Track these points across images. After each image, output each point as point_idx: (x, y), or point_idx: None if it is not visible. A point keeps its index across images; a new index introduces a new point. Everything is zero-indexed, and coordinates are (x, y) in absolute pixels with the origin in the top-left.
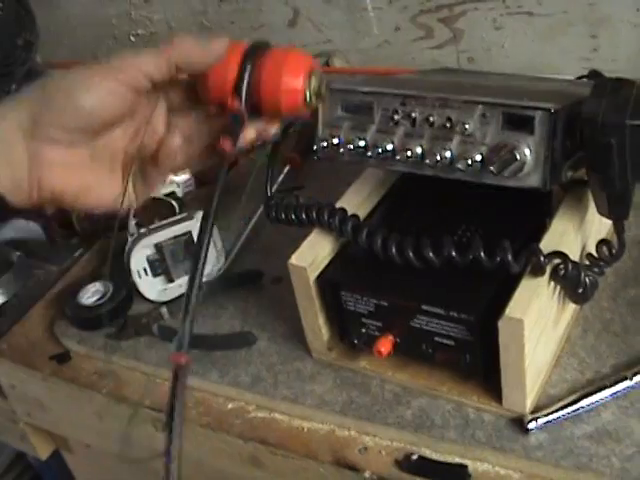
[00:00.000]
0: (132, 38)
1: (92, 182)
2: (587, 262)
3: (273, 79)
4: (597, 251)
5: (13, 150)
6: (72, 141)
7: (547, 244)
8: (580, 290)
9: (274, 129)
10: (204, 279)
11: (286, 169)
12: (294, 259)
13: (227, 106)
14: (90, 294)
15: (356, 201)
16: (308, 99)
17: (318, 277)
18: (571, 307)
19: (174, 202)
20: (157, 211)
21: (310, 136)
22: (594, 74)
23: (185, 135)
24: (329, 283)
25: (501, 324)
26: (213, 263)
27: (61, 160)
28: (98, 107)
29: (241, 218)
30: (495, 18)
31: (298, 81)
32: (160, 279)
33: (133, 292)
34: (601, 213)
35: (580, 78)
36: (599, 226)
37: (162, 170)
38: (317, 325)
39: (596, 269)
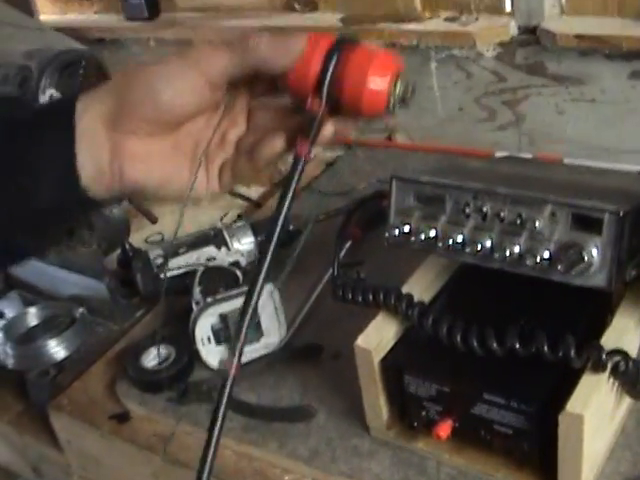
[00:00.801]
0: None
1: (173, 173)
2: None
3: (358, 76)
4: None
5: (96, 140)
6: (152, 132)
7: (608, 340)
8: (638, 386)
9: (354, 128)
10: (265, 351)
11: (348, 244)
12: (360, 341)
13: (306, 106)
14: (152, 357)
15: (421, 285)
16: (392, 103)
17: (382, 360)
18: (627, 400)
19: (238, 272)
20: (221, 279)
21: (373, 212)
22: None
23: (266, 128)
24: (393, 366)
25: (561, 418)
26: (276, 335)
27: (142, 151)
28: (177, 100)
29: (304, 290)
30: (557, 103)
31: (384, 82)
32: (222, 347)
33: (195, 358)
34: None
35: None
36: None
37: (248, 162)
38: (378, 405)
39: None
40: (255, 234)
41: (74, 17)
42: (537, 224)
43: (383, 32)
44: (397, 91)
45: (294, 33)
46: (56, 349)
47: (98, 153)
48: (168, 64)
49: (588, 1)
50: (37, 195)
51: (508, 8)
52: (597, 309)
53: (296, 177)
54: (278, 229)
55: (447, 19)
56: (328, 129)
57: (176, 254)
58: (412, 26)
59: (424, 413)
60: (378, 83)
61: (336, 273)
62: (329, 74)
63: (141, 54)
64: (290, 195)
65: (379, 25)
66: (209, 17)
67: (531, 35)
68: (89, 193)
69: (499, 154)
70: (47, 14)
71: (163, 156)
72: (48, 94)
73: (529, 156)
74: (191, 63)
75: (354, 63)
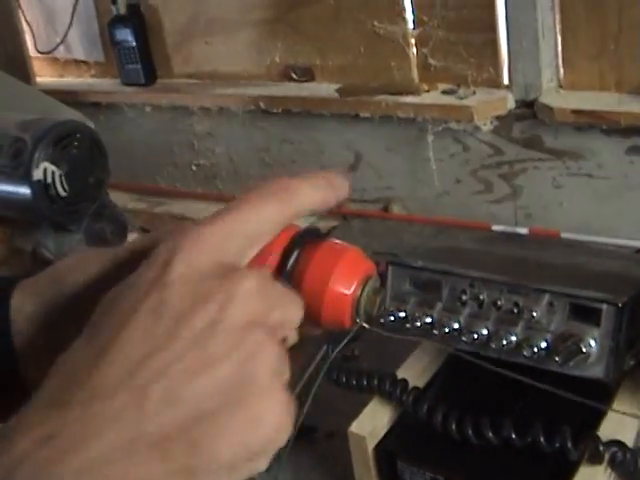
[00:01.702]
0: (193, 167)
1: None
2: None
3: (317, 286)
4: None
5: (34, 343)
6: None
7: (605, 430)
8: (636, 477)
9: (317, 331)
10: None
11: None
12: (354, 427)
13: None
14: None
15: (416, 370)
16: (357, 315)
17: (376, 446)
18: None
19: None
20: None
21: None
22: None
23: None
24: (387, 453)
25: None
26: None
27: None
28: None
29: (297, 367)
30: (555, 177)
31: (348, 291)
32: None
33: None
34: None
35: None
36: None
37: None
38: None
39: None
40: None
41: (71, 80)
42: (534, 314)
43: (380, 104)
44: (362, 305)
45: None
46: None
47: (39, 355)
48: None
49: (585, 76)
50: None
51: (506, 81)
52: (594, 397)
53: None
54: None
55: (444, 92)
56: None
57: None
58: (409, 99)
59: None
60: (340, 295)
61: (331, 357)
62: (285, 277)
63: (137, 119)
64: None
65: (376, 97)
66: (205, 84)
67: (528, 109)
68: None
69: (496, 227)
70: (44, 77)
71: None
72: (42, 167)
73: (525, 231)
74: None
75: (315, 266)
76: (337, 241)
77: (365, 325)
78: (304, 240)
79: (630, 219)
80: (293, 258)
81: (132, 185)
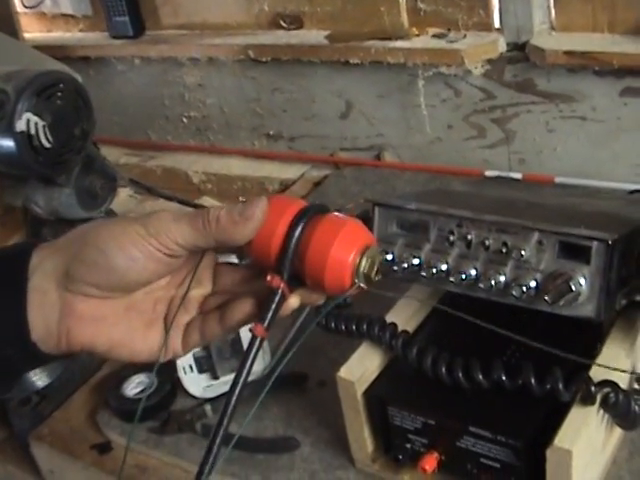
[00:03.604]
0: (184, 120)
1: (125, 336)
2: (637, 386)
3: (320, 253)
4: None
5: (47, 298)
6: (106, 296)
7: (597, 371)
8: (629, 418)
9: (320, 299)
10: (249, 379)
11: None
12: (343, 372)
13: (266, 281)
14: (134, 385)
15: (406, 314)
16: (356, 280)
17: (366, 391)
18: (618, 431)
19: None
20: None
21: None
22: None
23: (233, 290)
24: (377, 398)
25: (549, 453)
26: (258, 362)
27: (92, 314)
28: (131, 267)
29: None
30: (548, 121)
31: (346, 259)
32: (205, 376)
33: (177, 387)
34: None
35: (634, 192)
36: None
37: (218, 324)
38: (362, 437)
39: None
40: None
41: (59, 35)
42: (523, 252)
43: (370, 50)
44: (361, 269)
45: (255, 200)
46: (38, 377)
47: (48, 312)
48: (125, 229)
49: (578, 17)
50: None
51: (497, 24)
52: (587, 338)
53: (252, 355)
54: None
55: (435, 36)
56: (292, 303)
57: None
58: (399, 44)
59: (409, 446)
60: (340, 260)
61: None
62: (291, 249)
63: (126, 72)
64: (245, 373)
65: (366, 43)
66: (194, 35)
67: (520, 52)
68: (38, 348)
69: (489, 173)
70: (32, 32)
71: (115, 319)
72: (25, 118)
73: (519, 176)
74: (150, 232)
75: (318, 237)
76: (339, 214)
77: (364, 287)
78: (308, 214)
79: (624, 162)
80: (298, 230)
81: (124, 140)
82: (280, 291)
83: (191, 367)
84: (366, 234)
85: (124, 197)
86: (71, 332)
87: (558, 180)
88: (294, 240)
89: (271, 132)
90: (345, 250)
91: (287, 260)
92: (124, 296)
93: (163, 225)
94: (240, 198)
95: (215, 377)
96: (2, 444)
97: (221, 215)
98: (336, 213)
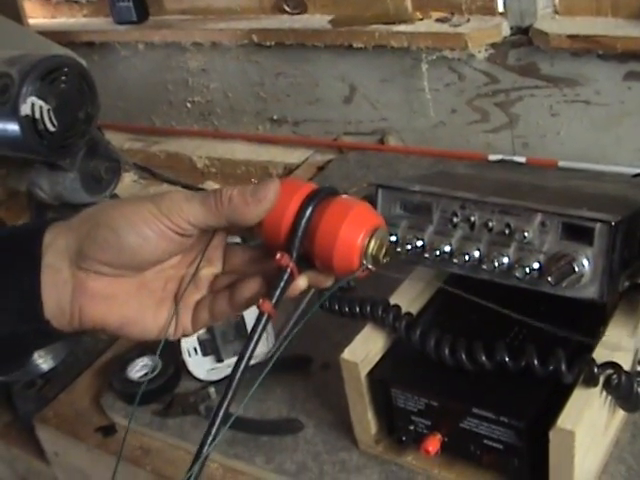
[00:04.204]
0: (188, 104)
1: (136, 314)
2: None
3: (329, 234)
4: None
5: (59, 276)
6: (118, 275)
7: (600, 353)
8: (632, 399)
9: (329, 282)
10: (253, 362)
11: None
12: (347, 354)
13: (276, 260)
14: (139, 368)
15: (410, 296)
16: (365, 262)
17: (369, 373)
18: (620, 412)
19: None
20: None
21: None
22: None
23: (243, 269)
24: (380, 380)
25: (552, 434)
26: (262, 345)
27: (104, 292)
28: (143, 247)
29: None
30: (551, 105)
31: (355, 240)
32: (209, 359)
33: (181, 370)
34: None
35: (636, 176)
36: None
37: (227, 303)
38: (365, 419)
39: None
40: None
41: (63, 21)
42: (526, 234)
43: (373, 34)
44: (369, 250)
45: (268, 182)
46: (43, 360)
47: (60, 290)
48: (137, 208)
49: (581, 1)
50: None
51: (500, 8)
52: (590, 320)
53: (259, 332)
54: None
55: (438, 20)
56: (300, 284)
57: None
58: (402, 28)
59: (412, 427)
60: (349, 241)
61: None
62: (301, 229)
63: (130, 57)
64: (251, 349)
65: (369, 27)
66: (197, 20)
67: (523, 36)
68: (51, 325)
69: (492, 157)
70: (36, 18)
71: (126, 297)
72: (29, 102)
73: (522, 160)
74: (162, 211)
75: (327, 218)
76: (348, 197)
77: (372, 268)
78: (319, 196)
79: (628, 145)
80: (309, 211)
81: (127, 125)
82: (289, 269)
83: (195, 350)
84: (375, 217)
85: (128, 182)
86: (83, 310)
87: (561, 164)
88: (304, 220)
89: (275, 116)
90: (354, 231)
91: (297, 239)
92: (136, 275)
93: (175, 204)
94: (253, 180)
95: (219, 360)
96: (6, 427)
97: (233, 195)
98: (345, 196)
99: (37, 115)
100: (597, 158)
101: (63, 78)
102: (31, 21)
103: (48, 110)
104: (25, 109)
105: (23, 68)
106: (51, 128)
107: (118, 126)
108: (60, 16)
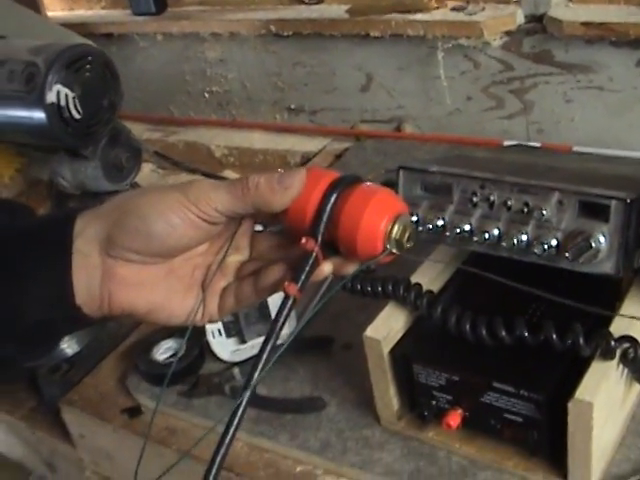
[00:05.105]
0: (206, 95)
1: (164, 300)
2: None
3: (353, 218)
4: None
5: (89, 263)
6: (146, 261)
7: (617, 328)
8: None
9: (352, 268)
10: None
11: None
12: (369, 332)
13: (301, 244)
14: (163, 350)
15: (430, 275)
16: (388, 246)
17: (391, 350)
18: (637, 387)
19: None
20: None
21: None
22: None
23: (269, 256)
24: (402, 356)
25: (571, 406)
26: (286, 327)
27: (132, 279)
28: (171, 234)
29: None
30: (566, 91)
31: (379, 225)
32: (233, 340)
33: (205, 351)
34: None
35: None
36: None
37: (252, 289)
38: (388, 395)
39: None
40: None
41: (81, 13)
42: (544, 212)
43: (390, 23)
44: (393, 235)
45: (294, 170)
46: (67, 345)
47: (90, 276)
48: (165, 196)
49: None
50: (28, 311)
51: None
52: (606, 297)
53: (284, 315)
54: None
55: (454, 9)
56: (325, 269)
57: None
58: (419, 16)
59: (434, 403)
60: (373, 226)
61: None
62: (325, 214)
63: (149, 48)
64: (277, 331)
65: (386, 16)
66: (216, 10)
67: (538, 23)
68: (82, 311)
69: (507, 143)
70: (54, 11)
71: (155, 283)
72: (55, 90)
73: (537, 145)
74: (190, 199)
75: (351, 204)
76: (371, 184)
77: (395, 252)
78: (343, 183)
79: None
80: (333, 198)
81: (146, 115)
82: (314, 253)
83: (219, 331)
84: (399, 202)
85: (147, 172)
86: (112, 296)
87: (576, 149)
88: (329, 205)
89: (292, 106)
90: (377, 215)
91: (322, 223)
92: (164, 262)
93: (202, 192)
94: (279, 170)
95: (243, 341)
96: (32, 412)
97: (260, 182)
98: (369, 183)
99: (62, 103)
100: (610, 143)
101: (87, 67)
102: (49, 14)
103: (73, 98)
104: (51, 97)
105: (49, 57)
106: (76, 115)
107: (137, 116)
108: (78, 8)
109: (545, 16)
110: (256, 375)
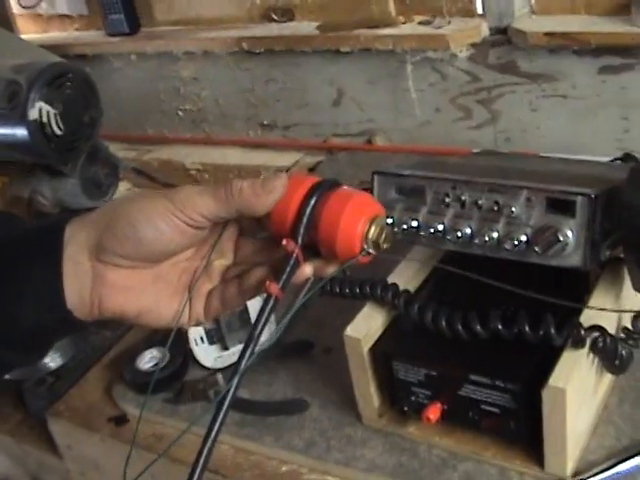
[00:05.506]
0: (180, 112)
1: (152, 304)
2: (623, 335)
3: (332, 220)
4: (633, 325)
5: (80, 268)
6: (134, 266)
7: (586, 318)
8: (617, 361)
9: (332, 270)
10: (257, 348)
11: None
12: (349, 330)
13: (282, 245)
14: (147, 359)
15: (407, 275)
16: (366, 247)
17: (371, 348)
18: (608, 377)
19: None
20: None
21: None
22: (628, 157)
23: (253, 259)
24: (382, 354)
25: (545, 393)
26: (266, 332)
27: (122, 283)
28: (159, 240)
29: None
30: (531, 100)
31: (357, 226)
32: (215, 347)
33: (189, 358)
34: (637, 289)
35: (614, 160)
36: (634, 301)
37: (236, 291)
38: (369, 393)
39: (632, 342)
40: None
41: (56, 35)
42: (514, 210)
43: (359, 38)
44: (370, 236)
45: (276, 175)
46: (51, 358)
47: (81, 282)
48: (153, 203)
49: (556, 0)
50: (21, 316)
51: (479, 10)
52: (575, 290)
53: (266, 314)
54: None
55: (421, 23)
56: (306, 270)
57: None
58: (387, 31)
59: (414, 398)
60: (351, 227)
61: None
62: (306, 217)
63: (123, 68)
64: (259, 331)
65: (355, 31)
66: (189, 30)
67: (502, 35)
68: (73, 315)
69: (476, 151)
70: (28, 33)
71: (143, 287)
72: (37, 107)
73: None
74: (177, 206)
75: (330, 206)
76: (349, 187)
77: (373, 252)
78: (322, 188)
79: (605, 136)
80: (312, 201)
81: (121, 134)
82: (295, 254)
83: (202, 339)
84: (375, 205)
85: (122, 191)
86: (103, 300)
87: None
88: (309, 208)
89: (265, 121)
90: (355, 217)
91: (302, 225)
92: (152, 267)
93: (188, 198)
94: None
95: (225, 348)
96: (18, 426)
97: (244, 187)
98: (347, 187)
99: (45, 119)
100: (576, 149)
101: (68, 84)
102: (24, 37)
103: (55, 114)
104: (33, 114)
105: (30, 75)
106: (58, 132)
107: (112, 136)
108: (52, 30)
109: (509, 28)
110: (243, 363)
